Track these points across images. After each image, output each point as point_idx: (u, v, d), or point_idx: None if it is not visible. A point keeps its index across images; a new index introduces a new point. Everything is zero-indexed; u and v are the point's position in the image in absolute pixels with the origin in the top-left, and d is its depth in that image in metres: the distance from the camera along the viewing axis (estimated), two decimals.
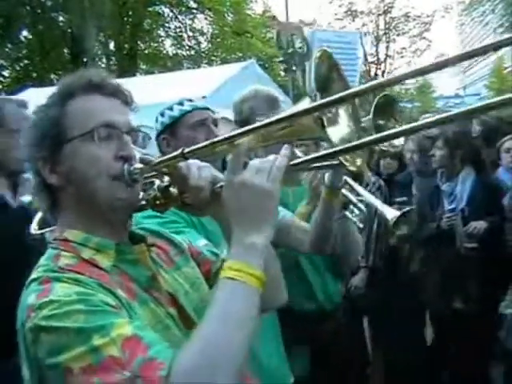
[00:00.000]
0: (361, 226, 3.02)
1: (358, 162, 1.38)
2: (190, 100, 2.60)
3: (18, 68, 26.75)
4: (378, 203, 3.17)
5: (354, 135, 1.34)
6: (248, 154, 1.32)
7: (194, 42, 29.54)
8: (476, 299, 4.22)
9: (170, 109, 2.55)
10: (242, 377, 1.36)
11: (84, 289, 1.23)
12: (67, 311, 1.17)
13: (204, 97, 8.37)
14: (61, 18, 26.00)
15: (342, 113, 1.34)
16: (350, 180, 2.86)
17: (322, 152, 1.32)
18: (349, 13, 35.41)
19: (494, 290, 4.26)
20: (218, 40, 29.46)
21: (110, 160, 1.38)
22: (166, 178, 1.51)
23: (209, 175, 1.45)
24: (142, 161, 1.42)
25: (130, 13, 27.72)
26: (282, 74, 30.29)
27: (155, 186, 1.51)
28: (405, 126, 1.22)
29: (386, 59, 35.93)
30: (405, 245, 4.61)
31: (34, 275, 1.30)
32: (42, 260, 1.36)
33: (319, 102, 1.23)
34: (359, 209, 2.95)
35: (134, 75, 22.99)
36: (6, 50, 26.29)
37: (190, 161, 1.43)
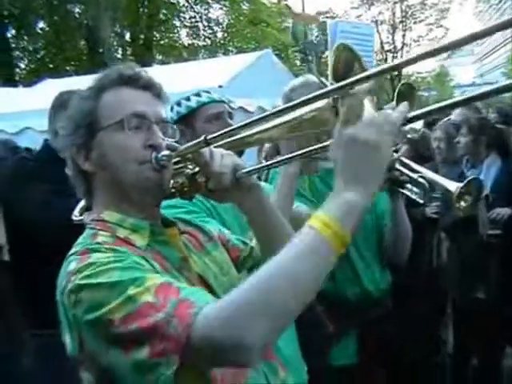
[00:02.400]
0: (421, 201, 2.97)
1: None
2: (208, 92, 2.60)
3: (34, 59, 26.92)
4: (437, 177, 3.16)
5: None
6: (361, 106, 1.24)
7: (209, 31, 29.56)
8: (498, 289, 4.18)
9: (187, 99, 2.54)
10: (266, 352, 1.39)
11: (121, 254, 1.31)
12: (104, 269, 1.24)
13: (220, 86, 8.36)
14: (77, 10, 26.08)
15: (366, 103, 1.28)
16: (404, 158, 2.85)
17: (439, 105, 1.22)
18: (365, 1, 35.15)
19: None
20: (234, 30, 29.41)
21: (138, 148, 1.45)
22: (194, 167, 1.57)
23: (230, 162, 1.50)
24: (168, 148, 1.49)
25: (146, 3, 27.76)
26: (298, 63, 30.23)
27: (184, 174, 1.59)
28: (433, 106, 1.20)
29: (402, 47, 35.62)
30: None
31: (72, 250, 1.37)
32: (80, 239, 1.43)
33: (330, 87, 1.25)
34: (418, 185, 2.90)
35: (150, 66, 23.02)
36: (23, 41, 26.46)
37: (214, 149, 1.49)
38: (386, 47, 35.24)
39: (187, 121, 2.50)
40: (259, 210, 1.59)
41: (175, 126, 1.68)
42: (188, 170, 1.59)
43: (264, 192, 1.63)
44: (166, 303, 1.18)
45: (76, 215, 2.11)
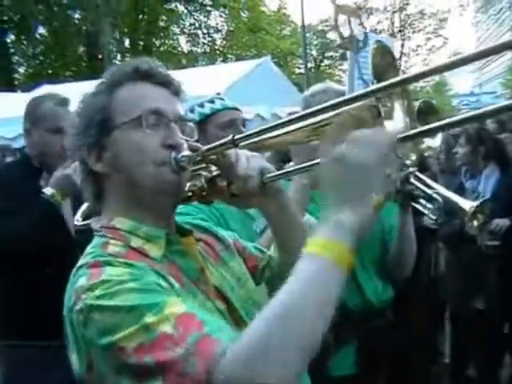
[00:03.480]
0: (434, 218, 2.96)
1: (413, 157, 1.33)
2: (221, 98, 2.57)
3: (33, 64, 26.94)
4: (451, 195, 3.15)
5: (408, 129, 1.24)
6: (350, 125, 1.18)
7: (208, 39, 29.64)
8: (497, 299, 4.17)
9: (201, 106, 2.52)
10: None
11: (136, 270, 1.20)
12: (119, 289, 1.14)
13: (218, 93, 8.34)
14: (76, 16, 26.13)
15: (397, 107, 1.25)
16: (419, 173, 2.81)
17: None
18: (364, 10, 35.27)
19: None
20: (233, 37, 29.48)
21: (156, 147, 1.34)
22: (214, 170, 1.47)
23: (258, 165, 1.40)
24: (189, 148, 1.38)
25: (145, 10, 27.82)
26: (297, 71, 30.30)
27: (202, 178, 1.48)
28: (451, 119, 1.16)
29: (401, 57, 35.74)
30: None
31: (81, 261, 1.26)
32: (89, 248, 1.32)
33: (374, 86, 1.15)
34: (432, 201, 2.89)
35: None
36: (22, 46, 26.49)
37: (240, 150, 1.39)
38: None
39: (200, 127, 2.46)
40: (283, 215, 1.51)
41: (193, 125, 1.58)
42: (206, 173, 1.48)
43: (288, 197, 1.55)
44: (186, 337, 1.07)
45: (78, 219, 2.01)
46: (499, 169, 4.43)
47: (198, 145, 1.42)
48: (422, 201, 2.87)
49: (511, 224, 4.20)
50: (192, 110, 2.51)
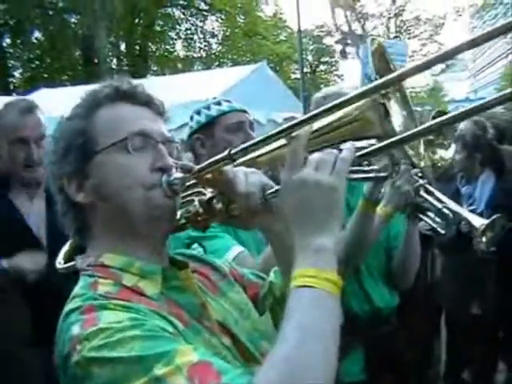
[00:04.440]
0: (442, 232, 2.96)
1: (422, 163, 1.31)
2: (228, 100, 2.53)
3: (29, 69, 26.89)
4: (462, 210, 3.15)
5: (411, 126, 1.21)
6: (307, 148, 1.16)
7: (204, 43, 29.63)
8: (493, 304, 4.18)
9: (207, 108, 2.48)
10: None
11: (136, 314, 1.09)
12: (121, 339, 1.03)
13: (214, 98, 8.36)
14: (72, 20, 26.11)
15: (395, 110, 1.21)
16: (429, 186, 2.81)
17: (389, 140, 1.15)
18: (360, 16, 35.34)
19: None
20: (229, 42, 29.51)
21: (145, 171, 1.25)
22: (208, 192, 1.39)
23: (257, 181, 1.31)
24: (182, 168, 1.30)
25: (141, 14, 27.82)
26: (293, 76, 30.33)
27: (196, 202, 1.39)
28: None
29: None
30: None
31: (70, 306, 1.15)
32: (77, 289, 1.20)
33: (377, 82, 1.11)
34: (441, 215, 2.89)
35: (145, 76, 23.03)
36: (18, 50, 26.44)
37: (235, 168, 1.31)
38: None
39: (207, 130, 2.42)
40: (288, 234, 1.32)
41: (179, 147, 1.52)
42: (198, 197, 1.39)
43: None
44: None
45: (60, 262, 1.85)
46: (495, 175, 4.44)
47: (191, 164, 1.35)
48: (430, 214, 2.87)
49: (508, 230, 4.21)
50: (198, 113, 2.47)
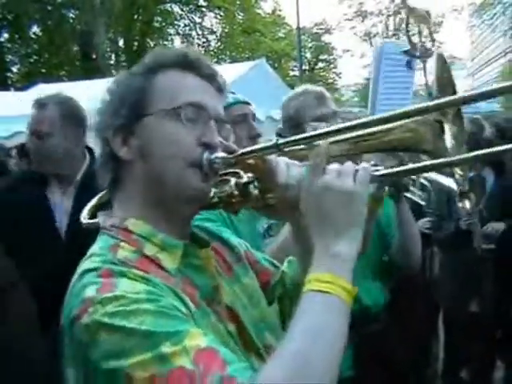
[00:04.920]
0: (423, 203, 2.92)
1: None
2: (233, 92, 2.49)
3: (27, 64, 26.83)
4: (438, 176, 3.15)
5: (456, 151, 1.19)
6: (328, 157, 1.16)
7: (203, 40, 29.59)
8: (491, 302, 4.19)
9: None
10: None
11: (154, 288, 1.09)
12: (134, 310, 1.02)
13: None
14: (71, 15, 26.03)
15: (447, 130, 1.18)
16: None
17: (422, 163, 1.17)
18: (358, 13, 35.37)
19: (510, 292, 4.22)
20: (228, 39, 29.47)
21: (191, 143, 1.23)
22: (245, 176, 1.36)
23: (299, 173, 1.27)
24: (226, 149, 1.28)
25: (140, 10, 27.77)
26: (291, 73, 30.34)
27: (232, 183, 1.35)
28: None
29: None
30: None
31: (88, 264, 1.14)
32: (96, 248, 1.21)
33: (443, 99, 1.08)
34: (421, 186, 2.85)
35: None
36: (16, 45, 26.38)
37: (278, 157, 1.28)
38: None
39: None
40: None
41: (230, 127, 1.48)
42: (235, 179, 1.36)
43: None
44: (206, 378, 0.97)
45: (85, 217, 1.84)
46: (494, 173, 4.44)
47: (235, 146, 1.33)
48: (412, 188, 2.83)
49: (506, 227, 4.22)
50: None
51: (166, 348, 0.99)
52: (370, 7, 35.32)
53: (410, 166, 1.18)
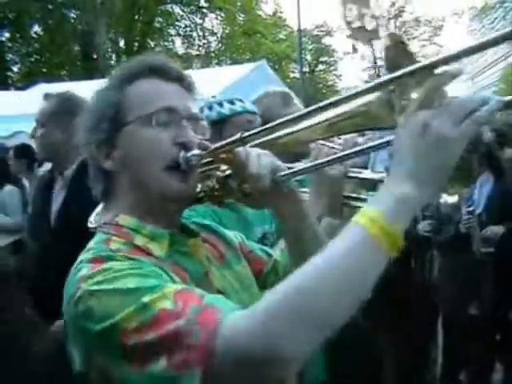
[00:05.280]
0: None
1: None
2: (241, 100, 2.49)
3: (27, 63, 26.84)
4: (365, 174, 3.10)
5: None
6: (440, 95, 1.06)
7: (204, 41, 29.60)
8: (490, 305, 4.20)
9: (220, 104, 2.44)
10: None
11: (138, 263, 1.19)
12: (119, 275, 1.13)
13: (214, 97, 8.34)
14: (72, 15, 26.06)
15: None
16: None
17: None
18: (359, 16, 35.36)
19: (509, 295, 4.23)
20: (228, 40, 29.48)
21: (167, 145, 1.32)
22: (226, 169, 1.44)
23: (269, 163, 1.35)
24: (199, 146, 1.36)
25: (141, 11, 27.79)
26: (291, 75, 30.35)
27: (213, 177, 1.45)
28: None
29: None
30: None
31: (82, 257, 1.24)
32: (92, 244, 1.30)
33: (384, 78, 1.09)
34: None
35: None
36: (17, 44, 26.39)
37: (249, 148, 1.35)
38: (380, 62, 35.39)
39: (216, 127, 2.34)
40: (296, 216, 1.44)
41: (205, 123, 1.54)
42: (219, 173, 1.45)
43: (302, 198, 1.48)
44: (186, 309, 1.05)
45: (92, 222, 1.94)
46: (493, 176, 4.45)
47: (207, 143, 1.38)
48: None
49: (506, 231, 4.23)
50: (210, 108, 2.43)
51: (147, 298, 1.08)
52: (371, 10, 35.32)
53: None
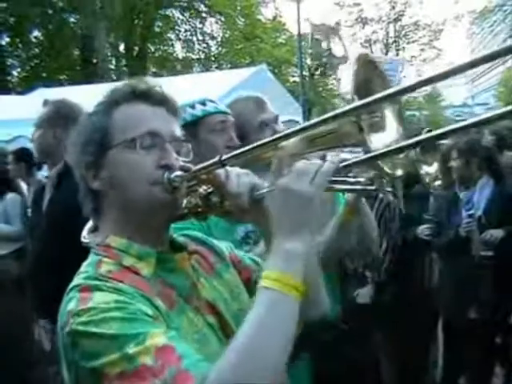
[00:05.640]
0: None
1: (399, 172, 1.41)
2: (213, 101, 2.52)
3: (27, 68, 26.86)
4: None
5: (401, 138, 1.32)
6: (293, 157, 1.29)
7: (203, 45, 29.61)
8: (490, 308, 4.20)
9: (192, 107, 2.46)
10: None
11: (123, 297, 1.24)
12: (104, 318, 1.19)
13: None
14: (71, 19, 26.06)
15: (391, 120, 1.31)
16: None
17: (367, 155, 1.29)
18: (359, 20, 35.41)
19: (509, 299, 4.23)
20: (228, 44, 29.50)
21: (151, 168, 1.39)
22: (209, 187, 1.52)
23: (247, 182, 1.44)
24: (181, 168, 1.42)
25: (141, 15, 27.80)
26: (291, 79, 30.37)
27: (198, 194, 1.53)
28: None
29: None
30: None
31: (74, 282, 1.32)
32: (84, 266, 1.38)
33: (353, 104, 1.22)
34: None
35: (144, 77, 22.95)
36: (17, 49, 26.42)
37: (230, 168, 1.44)
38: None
39: (190, 129, 2.37)
40: None
41: (189, 145, 1.58)
42: (201, 190, 1.53)
43: None
44: (164, 370, 1.13)
45: (85, 236, 2.06)
46: (493, 180, 4.46)
47: (189, 165, 1.45)
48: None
49: (505, 235, 4.23)
50: (183, 111, 2.43)
51: (131, 349, 1.15)
52: (370, 14, 35.37)
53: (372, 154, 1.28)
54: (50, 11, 25.30)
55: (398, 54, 35.60)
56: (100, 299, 1.23)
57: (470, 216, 4.30)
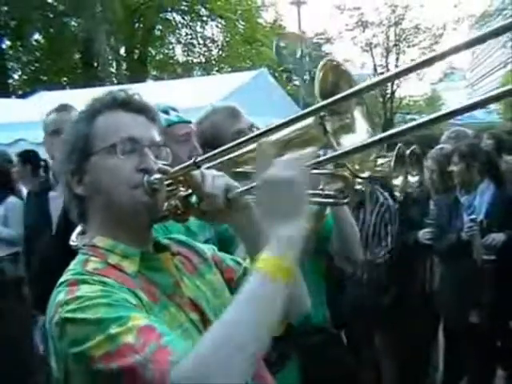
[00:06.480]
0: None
1: (365, 174, 1.47)
2: (175, 109, 2.54)
3: (28, 71, 26.91)
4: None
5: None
6: (273, 151, 1.33)
7: (204, 49, 29.65)
8: (491, 312, 4.20)
9: None
10: (260, 376, 1.52)
11: (108, 288, 1.32)
12: (90, 304, 1.26)
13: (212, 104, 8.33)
14: (72, 23, 26.11)
15: (361, 122, 1.35)
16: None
17: (336, 152, 1.33)
18: (359, 23, 35.43)
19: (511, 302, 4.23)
20: (229, 48, 29.52)
21: (130, 172, 1.46)
22: (187, 189, 1.58)
23: (222, 183, 1.51)
24: (159, 171, 1.49)
25: (142, 19, 27.86)
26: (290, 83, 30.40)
27: (176, 197, 1.59)
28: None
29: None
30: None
31: (62, 278, 1.38)
32: (72, 265, 1.45)
33: (316, 105, 1.26)
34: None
35: (144, 81, 23.04)
36: (18, 52, 26.46)
37: (206, 170, 1.51)
38: (380, 70, 35.49)
39: None
40: (252, 229, 1.58)
41: (168, 150, 1.62)
42: (181, 192, 1.59)
43: (255, 212, 1.60)
44: (145, 347, 1.19)
45: (73, 240, 2.12)
46: (494, 184, 4.46)
47: (167, 167, 1.52)
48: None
49: (506, 239, 4.23)
50: None
51: (114, 330, 1.21)
52: (370, 17, 35.37)
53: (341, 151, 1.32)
54: (51, 15, 25.38)
55: (398, 58, 35.66)
56: (87, 289, 1.30)
57: (472, 220, 4.30)
